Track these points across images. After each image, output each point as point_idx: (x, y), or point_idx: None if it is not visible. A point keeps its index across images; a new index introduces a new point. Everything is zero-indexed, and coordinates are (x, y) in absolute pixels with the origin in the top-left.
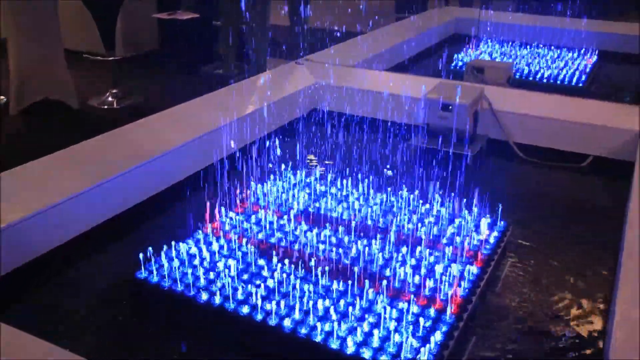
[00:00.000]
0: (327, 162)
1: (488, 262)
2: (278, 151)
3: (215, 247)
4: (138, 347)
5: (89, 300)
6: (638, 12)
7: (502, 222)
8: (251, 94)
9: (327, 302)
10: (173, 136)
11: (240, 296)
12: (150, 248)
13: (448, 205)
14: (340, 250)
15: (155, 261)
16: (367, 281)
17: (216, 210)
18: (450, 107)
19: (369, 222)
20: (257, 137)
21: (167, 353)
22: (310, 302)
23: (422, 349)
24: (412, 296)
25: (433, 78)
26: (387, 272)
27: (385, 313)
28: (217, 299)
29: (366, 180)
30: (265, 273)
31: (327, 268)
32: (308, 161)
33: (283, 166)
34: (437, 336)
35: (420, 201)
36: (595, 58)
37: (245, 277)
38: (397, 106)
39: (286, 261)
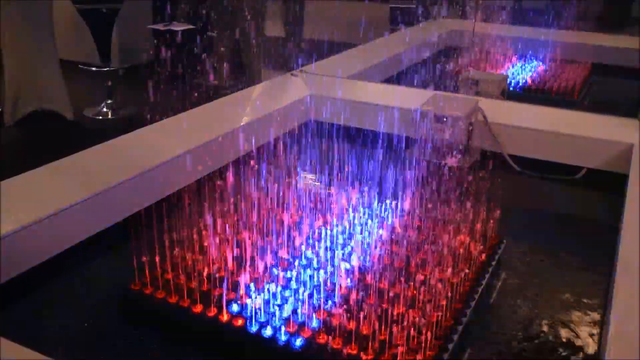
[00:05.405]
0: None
1: (482, 275)
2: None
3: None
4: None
5: (80, 312)
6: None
7: (496, 235)
8: (246, 106)
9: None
10: (168, 147)
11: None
12: (144, 259)
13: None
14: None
15: (150, 272)
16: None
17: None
18: (445, 119)
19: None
20: (251, 148)
21: None
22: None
23: None
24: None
25: (427, 90)
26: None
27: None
28: (213, 311)
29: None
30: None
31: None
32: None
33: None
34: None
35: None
36: (589, 70)
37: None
38: (391, 118)
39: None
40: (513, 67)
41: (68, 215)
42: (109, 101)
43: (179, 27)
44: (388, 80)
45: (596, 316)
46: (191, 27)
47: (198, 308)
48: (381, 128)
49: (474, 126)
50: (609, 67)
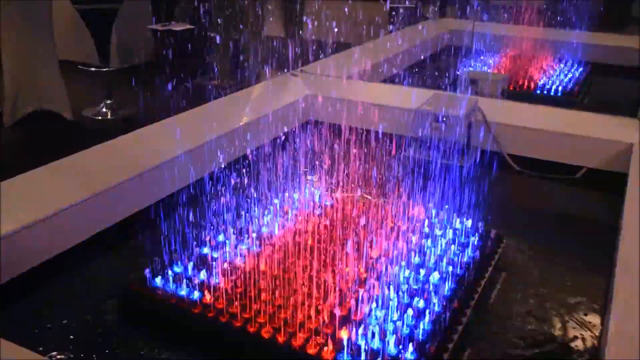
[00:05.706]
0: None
1: (481, 275)
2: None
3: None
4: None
5: (80, 312)
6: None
7: (495, 235)
8: (245, 106)
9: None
10: (167, 148)
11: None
12: (144, 259)
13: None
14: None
15: (150, 272)
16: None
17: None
18: (444, 119)
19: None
20: (251, 149)
21: None
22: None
23: None
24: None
25: (427, 90)
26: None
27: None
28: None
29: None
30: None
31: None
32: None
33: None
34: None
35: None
36: (588, 70)
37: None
38: (391, 118)
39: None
40: (512, 66)
41: (68, 215)
42: (109, 101)
43: (178, 27)
44: (388, 80)
45: (596, 315)
46: (191, 27)
47: (198, 308)
48: (381, 128)
49: (473, 126)
50: (609, 67)
